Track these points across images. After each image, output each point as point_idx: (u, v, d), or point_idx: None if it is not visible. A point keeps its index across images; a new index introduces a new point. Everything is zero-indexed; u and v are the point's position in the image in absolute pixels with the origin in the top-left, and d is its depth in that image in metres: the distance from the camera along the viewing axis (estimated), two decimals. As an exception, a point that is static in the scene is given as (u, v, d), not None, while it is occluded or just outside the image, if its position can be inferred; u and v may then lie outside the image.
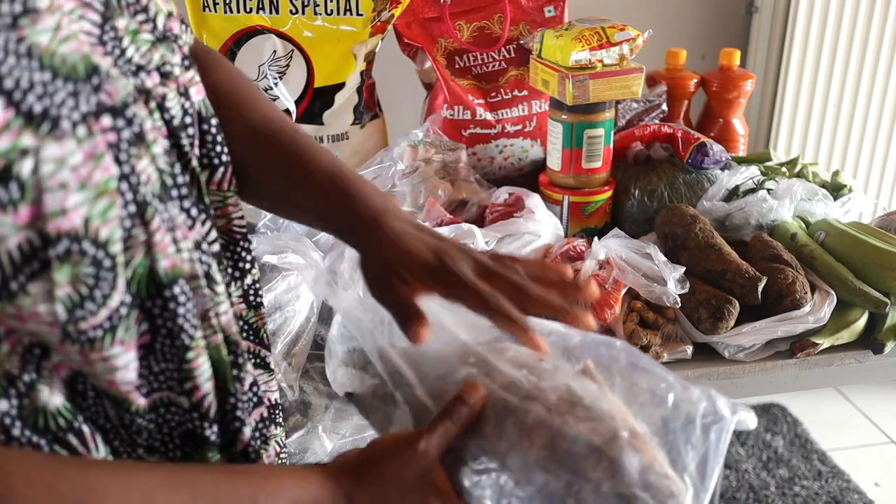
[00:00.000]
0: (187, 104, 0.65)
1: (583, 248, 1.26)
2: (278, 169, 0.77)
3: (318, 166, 0.76)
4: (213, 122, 0.68)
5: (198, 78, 0.67)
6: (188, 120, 0.65)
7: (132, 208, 0.56)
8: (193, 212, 0.64)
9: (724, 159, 1.43)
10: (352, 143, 1.47)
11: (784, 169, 1.50)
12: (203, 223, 0.65)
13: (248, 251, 0.74)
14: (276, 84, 1.40)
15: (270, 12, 1.37)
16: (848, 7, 2.33)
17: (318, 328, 1.09)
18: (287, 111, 1.42)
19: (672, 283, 1.16)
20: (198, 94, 0.67)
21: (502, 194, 1.39)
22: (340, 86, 1.43)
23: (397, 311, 0.71)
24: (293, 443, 1.01)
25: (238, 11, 1.37)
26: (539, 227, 1.28)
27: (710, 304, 1.15)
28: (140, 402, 0.61)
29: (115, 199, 0.54)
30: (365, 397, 0.76)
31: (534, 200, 1.34)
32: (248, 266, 0.75)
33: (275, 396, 0.79)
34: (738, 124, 1.64)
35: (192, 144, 0.66)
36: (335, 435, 1.03)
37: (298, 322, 1.05)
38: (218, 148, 0.69)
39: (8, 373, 0.55)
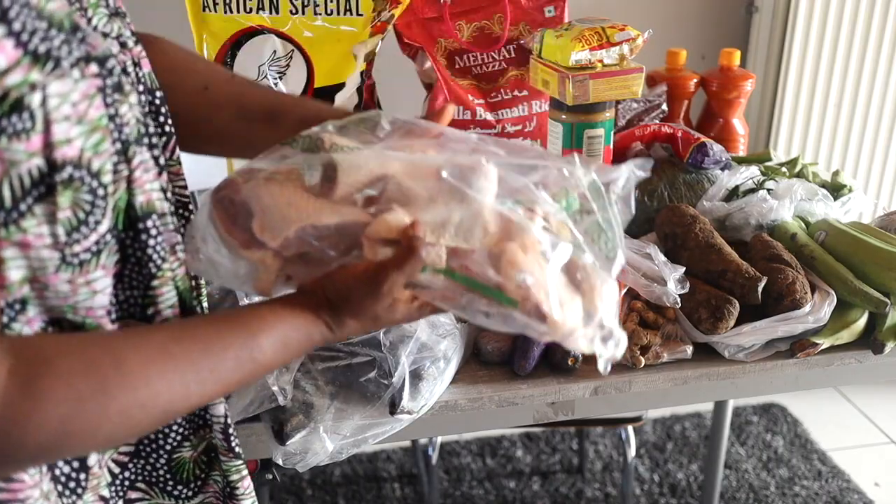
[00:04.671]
0: (141, 74, 0.72)
1: (583, 248, 1.26)
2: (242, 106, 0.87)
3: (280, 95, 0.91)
4: (158, 94, 0.75)
5: (144, 53, 0.74)
6: (141, 88, 0.71)
7: (118, 146, 0.63)
8: (161, 160, 0.71)
9: (724, 159, 1.43)
10: (352, 143, 1.47)
11: (784, 169, 1.50)
12: (167, 174, 0.73)
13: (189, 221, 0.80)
14: (276, 84, 1.40)
15: (270, 12, 1.37)
16: (848, 7, 2.33)
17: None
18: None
19: (672, 283, 1.16)
20: (145, 67, 0.73)
21: (502, 194, 1.39)
22: (340, 86, 1.43)
23: None
24: (295, 443, 1.02)
25: (238, 11, 1.37)
26: (539, 227, 1.28)
27: (710, 304, 1.15)
28: (109, 327, 0.67)
29: (105, 136, 0.61)
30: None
31: (534, 200, 1.34)
32: None
33: None
34: (738, 124, 1.64)
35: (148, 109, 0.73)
36: (336, 435, 1.03)
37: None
38: (161, 119, 0.75)
39: None
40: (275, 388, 1.01)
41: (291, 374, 1.04)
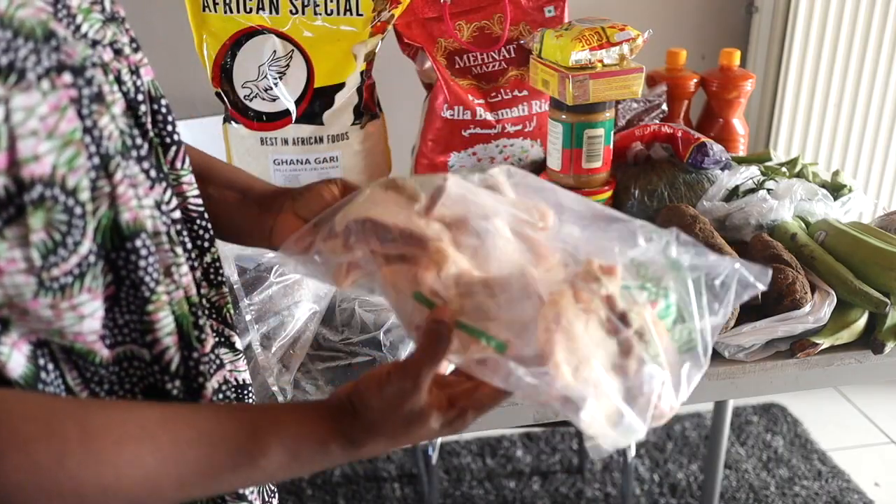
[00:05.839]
0: (139, 82, 0.68)
1: (583, 248, 1.26)
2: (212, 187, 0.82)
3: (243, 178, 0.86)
4: (163, 102, 0.71)
5: (146, 60, 0.70)
6: (140, 97, 0.67)
7: (96, 160, 0.58)
8: (153, 173, 0.66)
9: (724, 159, 1.43)
10: (352, 143, 1.47)
11: (784, 169, 1.50)
12: (164, 189, 0.67)
13: (207, 230, 0.76)
14: (276, 84, 1.40)
15: (270, 12, 1.37)
16: (848, 7, 2.33)
17: (319, 329, 1.09)
18: (287, 111, 1.42)
19: (672, 283, 1.16)
20: (147, 74, 0.69)
21: (502, 194, 1.39)
22: (340, 86, 1.43)
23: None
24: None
25: (238, 11, 1.37)
26: (539, 227, 1.28)
27: (710, 304, 1.15)
28: (104, 352, 0.63)
29: (80, 150, 0.56)
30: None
31: (534, 200, 1.34)
32: (206, 244, 0.76)
33: (243, 377, 0.80)
34: (738, 124, 1.64)
35: (146, 120, 0.68)
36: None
37: (297, 326, 1.05)
38: (169, 128, 0.71)
39: None
40: (275, 389, 1.01)
41: (291, 374, 1.04)
